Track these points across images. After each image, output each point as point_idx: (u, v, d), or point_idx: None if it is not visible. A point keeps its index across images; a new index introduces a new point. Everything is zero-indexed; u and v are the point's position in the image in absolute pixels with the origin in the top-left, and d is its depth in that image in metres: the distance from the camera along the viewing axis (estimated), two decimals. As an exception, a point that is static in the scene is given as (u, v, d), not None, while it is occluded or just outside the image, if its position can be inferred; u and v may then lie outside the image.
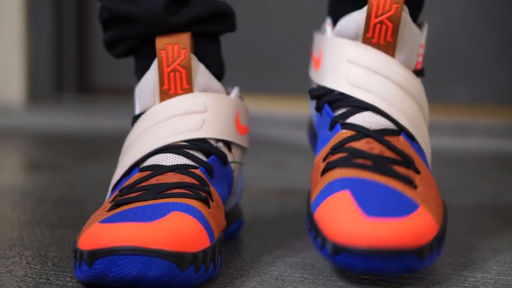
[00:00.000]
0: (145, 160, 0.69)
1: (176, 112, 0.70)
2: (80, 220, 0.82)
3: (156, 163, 0.68)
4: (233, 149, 0.72)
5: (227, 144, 0.71)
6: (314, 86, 0.76)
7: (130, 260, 0.58)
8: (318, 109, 0.74)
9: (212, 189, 0.68)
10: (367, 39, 0.72)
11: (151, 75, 0.71)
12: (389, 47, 0.72)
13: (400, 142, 0.70)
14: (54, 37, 2.01)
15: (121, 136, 1.13)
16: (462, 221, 0.83)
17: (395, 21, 0.71)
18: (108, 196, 0.70)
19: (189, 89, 0.70)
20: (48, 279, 0.62)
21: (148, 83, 0.71)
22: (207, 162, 0.68)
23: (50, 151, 1.25)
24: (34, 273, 0.64)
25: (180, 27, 0.71)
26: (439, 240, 0.64)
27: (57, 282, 0.62)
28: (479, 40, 1.74)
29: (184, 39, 0.70)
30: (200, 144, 0.69)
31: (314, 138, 0.80)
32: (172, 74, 0.70)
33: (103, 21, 0.74)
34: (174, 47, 0.70)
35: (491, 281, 0.64)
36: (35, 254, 0.69)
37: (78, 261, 0.60)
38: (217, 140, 0.70)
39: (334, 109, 0.72)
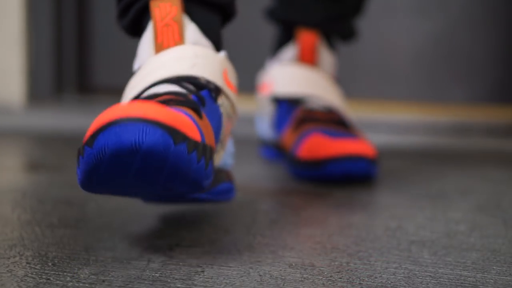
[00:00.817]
0: (141, 94, 0.73)
1: (170, 58, 0.75)
2: (81, 220, 0.82)
3: (152, 92, 0.72)
4: (222, 98, 0.76)
5: (216, 91, 0.75)
6: (266, 107, 1.19)
7: (128, 127, 0.60)
8: (276, 107, 1.15)
9: (202, 112, 0.71)
10: (300, 60, 1.15)
11: (148, 34, 0.77)
12: (314, 64, 1.15)
13: (336, 114, 1.10)
14: (54, 38, 2.01)
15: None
16: (462, 221, 0.83)
17: (316, 46, 1.15)
18: None
19: (180, 42, 0.76)
20: (48, 279, 0.62)
21: (145, 41, 0.77)
22: (199, 92, 0.73)
23: (51, 151, 1.25)
24: (34, 273, 0.64)
25: None
26: (376, 160, 1.01)
27: (57, 282, 0.62)
28: (478, 41, 1.74)
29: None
30: (192, 80, 0.74)
31: (269, 149, 1.21)
32: (165, 28, 0.76)
33: None
34: (166, 4, 0.76)
35: (491, 281, 0.64)
36: (35, 254, 0.69)
37: (81, 152, 0.62)
38: (208, 82, 0.75)
39: (288, 103, 1.13)
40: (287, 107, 1.13)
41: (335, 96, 1.14)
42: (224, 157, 0.78)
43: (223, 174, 0.77)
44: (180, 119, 0.62)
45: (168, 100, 0.69)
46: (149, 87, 0.73)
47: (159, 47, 0.76)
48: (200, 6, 0.79)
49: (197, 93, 0.73)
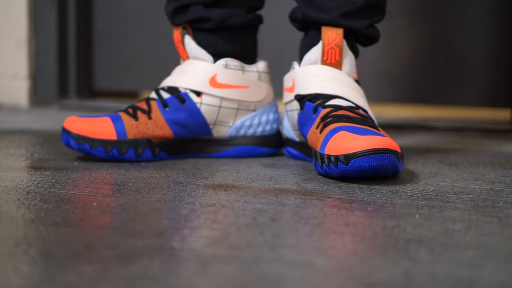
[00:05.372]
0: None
1: (175, 71, 1.25)
2: (83, 218, 0.83)
3: (149, 95, 1.23)
4: (204, 96, 1.22)
5: (197, 92, 1.21)
6: (288, 108, 1.22)
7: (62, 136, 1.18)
8: (301, 107, 1.15)
9: (156, 113, 1.20)
10: (324, 61, 1.16)
11: None
12: (337, 65, 1.16)
13: (361, 112, 1.11)
14: (58, 43, 2.02)
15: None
16: (459, 220, 0.84)
17: (340, 46, 1.15)
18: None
19: (186, 57, 1.25)
20: (52, 276, 0.63)
21: None
22: (164, 99, 1.21)
23: (54, 152, 1.26)
24: (38, 270, 0.65)
25: (179, 24, 1.24)
26: (402, 156, 1.03)
27: (61, 279, 0.63)
28: (476, 44, 1.74)
29: (180, 29, 1.24)
30: (170, 89, 1.23)
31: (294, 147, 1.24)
32: (178, 48, 1.25)
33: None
34: (176, 32, 1.24)
35: (487, 278, 0.65)
36: (39, 252, 0.70)
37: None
38: (186, 88, 1.22)
39: (313, 103, 1.14)
40: (312, 107, 1.13)
41: (358, 96, 1.14)
42: (231, 130, 1.24)
43: (247, 139, 1.25)
44: (96, 130, 1.15)
45: (125, 110, 1.20)
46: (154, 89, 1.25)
47: (181, 59, 1.26)
48: (199, 30, 1.23)
49: (162, 100, 1.21)
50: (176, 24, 1.24)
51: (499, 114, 1.88)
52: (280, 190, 0.98)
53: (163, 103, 1.20)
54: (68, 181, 1.01)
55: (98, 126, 1.16)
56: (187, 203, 0.90)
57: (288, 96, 1.21)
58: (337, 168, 1.01)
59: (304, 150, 1.20)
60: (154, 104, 1.20)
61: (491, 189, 1.01)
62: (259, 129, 1.25)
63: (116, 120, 1.17)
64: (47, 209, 0.85)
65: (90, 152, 1.15)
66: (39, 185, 0.98)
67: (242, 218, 0.84)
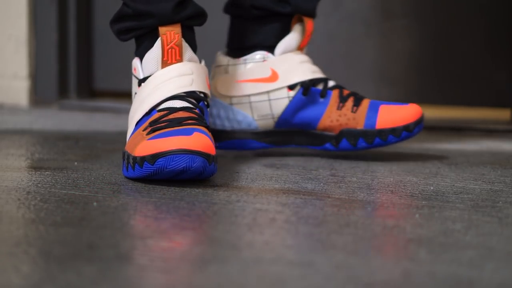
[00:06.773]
0: (160, 105, 1.05)
1: (175, 74, 1.06)
2: (84, 218, 0.83)
3: (169, 106, 1.04)
4: (207, 99, 1.10)
5: (205, 94, 1.09)
6: (272, 97, 1.23)
7: (182, 158, 0.94)
8: (306, 92, 1.21)
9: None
10: (301, 49, 1.24)
11: (155, 51, 1.07)
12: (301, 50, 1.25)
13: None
14: (58, 44, 2.02)
15: (122, 138, 1.15)
16: (458, 220, 0.84)
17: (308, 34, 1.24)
18: (133, 131, 1.05)
19: (180, 60, 1.08)
20: (52, 276, 0.63)
21: (153, 57, 1.07)
22: (200, 105, 1.06)
23: (54, 152, 1.26)
24: (39, 270, 0.65)
25: (178, 21, 1.08)
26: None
27: (61, 278, 0.63)
28: (475, 44, 1.74)
29: (177, 28, 1.07)
30: (193, 94, 1.06)
31: None
32: (170, 50, 1.07)
33: (123, 15, 1.09)
34: (171, 33, 1.07)
35: (487, 278, 0.65)
36: (39, 252, 0.70)
37: (139, 164, 0.96)
38: (200, 92, 1.07)
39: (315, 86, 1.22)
40: (319, 92, 1.22)
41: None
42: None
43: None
44: (209, 144, 0.96)
45: (191, 122, 1.00)
46: (164, 99, 1.04)
47: (165, 63, 1.07)
48: (188, 29, 1.09)
49: (199, 107, 1.05)
50: (175, 22, 1.08)
51: (499, 114, 1.88)
52: (280, 190, 0.98)
53: (202, 110, 1.07)
54: (68, 181, 1.01)
55: (203, 141, 0.98)
56: (187, 203, 0.90)
57: (267, 86, 1.22)
58: (389, 139, 1.20)
59: (265, 138, 1.23)
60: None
61: (491, 189, 1.01)
62: None
63: (207, 134, 1.01)
64: (47, 209, 0.85)
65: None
66: (39, 185, 0.98)
67: (242, 218, 0.84)
